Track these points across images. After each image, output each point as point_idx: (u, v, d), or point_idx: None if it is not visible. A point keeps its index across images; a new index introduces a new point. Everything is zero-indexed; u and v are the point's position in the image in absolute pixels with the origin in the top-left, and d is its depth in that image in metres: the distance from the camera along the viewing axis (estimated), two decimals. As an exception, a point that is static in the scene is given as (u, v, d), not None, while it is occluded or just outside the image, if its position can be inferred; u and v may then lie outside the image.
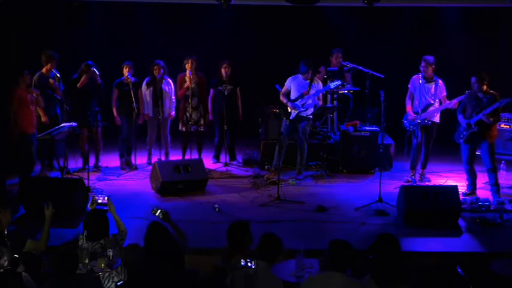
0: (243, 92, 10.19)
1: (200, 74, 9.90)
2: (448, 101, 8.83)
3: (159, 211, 5.75)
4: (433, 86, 8.91)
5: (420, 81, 8.92)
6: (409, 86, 9.19)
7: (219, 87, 9.90)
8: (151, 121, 9.88)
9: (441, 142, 9.89)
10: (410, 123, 9.01)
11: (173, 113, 9.94)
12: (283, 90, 9.40)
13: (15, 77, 8.66)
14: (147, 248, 5.08)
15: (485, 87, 8.23)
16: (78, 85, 9.28)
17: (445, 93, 8.96)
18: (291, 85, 9.34)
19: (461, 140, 8.50)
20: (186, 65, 9.72)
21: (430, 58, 8.93)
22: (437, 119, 9.05)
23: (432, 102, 8.91)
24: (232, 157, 10.33)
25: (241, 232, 5.49)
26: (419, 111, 8.83)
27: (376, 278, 4.75)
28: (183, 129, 9.95)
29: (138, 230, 6.87)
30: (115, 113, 9.69)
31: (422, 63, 8.90)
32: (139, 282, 4.88)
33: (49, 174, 9.25)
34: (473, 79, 8.27)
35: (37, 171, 9.23)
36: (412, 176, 9.10)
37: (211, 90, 10.04)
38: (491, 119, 8.20)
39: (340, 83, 9.54)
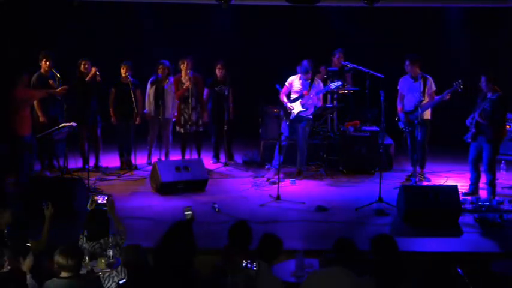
0: (244, 92, 10.21)
1: (197, 74, 9.89)
2: (437, 96, 8.85)
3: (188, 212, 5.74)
4: (422, 83, 8.92)
5: (407, 80, 9.00)
6: (398, 87, 9.21)
7: (215, 88, 9.89)
8: (153, 121, 9.88)
9: (441, 142, 9.90)
10: (405, 124, 9.02)
11: (176, 113, 9.94)
12: (284, 89, 9.41)
13: (14, 77, 8.64)
14: (163, 245, 5.03)
15: (496, 87, 8.21)
16: (87, 79, 9.27)
17: (434, 89, 8.98)
18: (292, 85, 9.36)
19: (468, 140, 8.50)
20: (182, 66, 9.71)
21: (414, 56, 8.96)
22: (428, 115, 9.06)
23: (422, 99, 8.92)
24: (230, 157, 10.33)
25: (244, 232, 5.49)
26: (419, 109, 8.82)
27: (376, 278, 4.75)
28: (181, 130, 9.94)
29: (139, 230, 6.89)
30: (111, 113, 9.69)
31: (407, 62, 8.91)
32: (141, 281, 4.87)
33: (49, 174, 9.25)
34: (482, 78, 8.25)
35: (37, 171, 9.23)
36: (413, 176, 9.10)
37: (206, 90, 10.03)
38: (484, 119, 8.18)
39: (340, 84, 9.54)
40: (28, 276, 4.94)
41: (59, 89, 9.10)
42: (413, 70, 8.94)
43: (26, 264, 5.00)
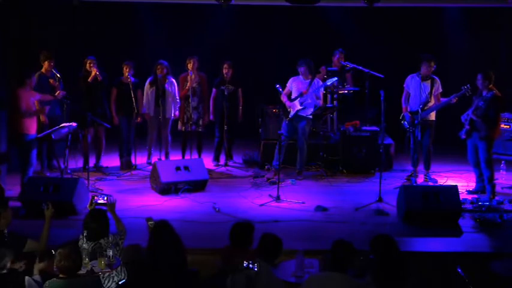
0: (243, 92, 10.19)
1: (202, 73, 9.91)
2: (443, 99, 8.86)
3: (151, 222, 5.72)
4: (430, 83, 8.92)
5: (414, 78, 8.98)
6: (404, 86, 9.20)
7: (221, 87, 9.90)
8: (152, 121, 9.88)
9: (441, 142, 9.90)
10: (410, 124, 9.02)
11: (177, 112, 9.93)
12: (285, 90, 9.44)
13: (20, 78, 8.62)
14: (152, 247, 5.07)
15: (491, 85, 8.23)
16: (88, 79, 9.30)
17: (441, 90, 8.98)
18: (292, 85, 9.38)
19: (463, 136, 8.50)
20: (188, 65, 9.74)
21: (431, 56, 8.96)
22: (433, 117, 9.07)
23: (429, 100, 8.93)
24: (229, 157, 10.32)
25: (245, 233, 5.50)
26: (419, 110, 8.82)
27: (376, 278, 4.75)
28: (182, 128, 9.96)
29: (138, 230, 6.88)
30: (113, 113, 9.70)
31: (425, 62, 8.87)
32: (141, 282, 4.88)
33: (49, 174, 9.25)
34: (478, 76, 8.27)
35: (37, 171, 9.23)
36: (413, 176, 9.09)
37: (214, 90, 10.05)
38: (478, 117, 8.19)
39: (336, 79, 9.56)
40: (30, 280, 4.94)
41: (57, 93, 9.07)
42: (428, 70, 8.91)
43: (40, 266, 5.02)
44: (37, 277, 5.01)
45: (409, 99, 9.15)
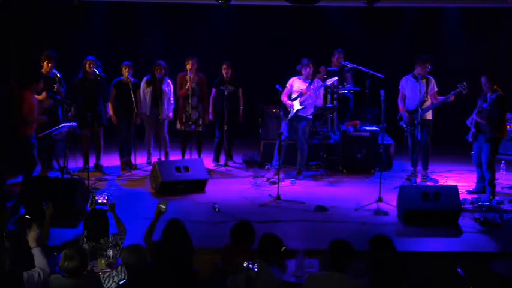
0: (244, 92, 10.19)
1: (201, 74, 9.91)
2: (440, 97, 8.86)
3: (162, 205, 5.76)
4: (426, 83, 8.93)
5: (409, 80, 8.99)
6: (399, 87, 9.20)
7: (221, 87, 9.90)
8: (149, 121, 9.88)
9: (441, 142, 9.90)
10: (407, 124, 9.02)
11: (171, 114, 9.92)
12: (285, 91, 9.43)
13: (24, 79, 8.60)
14: (161, 244, 5.08)
15: (495, 87, 8.23)
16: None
17: (437, 89, 8.99)
18: (292, 85, 9.38)
19: (470, 140, 8.50)
20: (187, 66, 9.73)
21: (427, 56, 8.97)
22: (430, 116, 9.07)
23: (426, 99, 8.93)
24: (229, 157, 10.32)
25: (245, 233, 5.50)
26: (419, 110, 8.82)
27: (375, 278, 4.75)
28: (182, 128, 9.96)
29: (139, 230, 6.88)
30: (112, 113, 9.69)
31: (421, 63, 8.87)
32: (141, 281, 4.88)
33: (49, 174, 9.25)
34: (483, 79, 8.26)
35: (37, 171, 9.22)
36: (413, 176, 9.09)
37: (213, 90, 10.05)
38: (483, 119, 8.20)
39: (336, 79, 9.56)
40: (36, 249, 4.94)
41: (42, 95, 9.02)
42: (423, 70, 8.91)
43: (32, 236, 5.02)
44: (42, 263, 4.99)
45: (405, 100, 9.15)
